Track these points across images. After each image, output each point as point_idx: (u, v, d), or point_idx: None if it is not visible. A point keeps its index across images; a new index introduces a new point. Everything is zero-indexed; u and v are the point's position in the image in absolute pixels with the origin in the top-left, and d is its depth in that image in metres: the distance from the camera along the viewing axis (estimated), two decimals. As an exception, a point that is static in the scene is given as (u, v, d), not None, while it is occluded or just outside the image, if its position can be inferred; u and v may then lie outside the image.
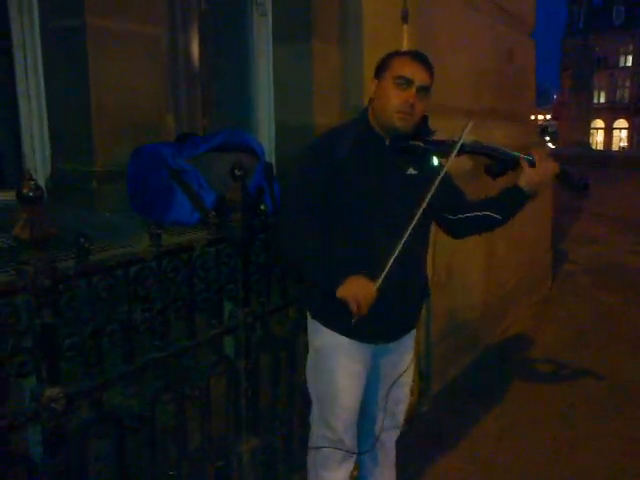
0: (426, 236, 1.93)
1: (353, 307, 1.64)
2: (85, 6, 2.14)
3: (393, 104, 1.73)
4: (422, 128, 1.80)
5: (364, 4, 3.03)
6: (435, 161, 1.80)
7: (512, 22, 4.80)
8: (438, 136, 1.80)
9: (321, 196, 1.75)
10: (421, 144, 1.76)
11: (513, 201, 1.87)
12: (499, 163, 1.82)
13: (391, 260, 1.66)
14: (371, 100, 1.82)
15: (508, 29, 4.72)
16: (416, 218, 1.68)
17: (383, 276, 1.66)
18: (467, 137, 1.74)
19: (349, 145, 1.76)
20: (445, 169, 1.73)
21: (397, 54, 1.81)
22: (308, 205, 1.75)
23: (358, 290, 1.64)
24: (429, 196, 1.69)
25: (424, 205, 1.68)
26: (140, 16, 2.32)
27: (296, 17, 3.00)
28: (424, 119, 1.82)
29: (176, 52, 2.96)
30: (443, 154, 1.77)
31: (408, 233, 1.67)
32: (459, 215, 1.90)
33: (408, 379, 2.03)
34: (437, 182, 1.70)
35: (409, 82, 1.72)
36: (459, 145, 1.72)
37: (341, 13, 3.07)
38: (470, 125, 1.73)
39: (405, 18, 3.08)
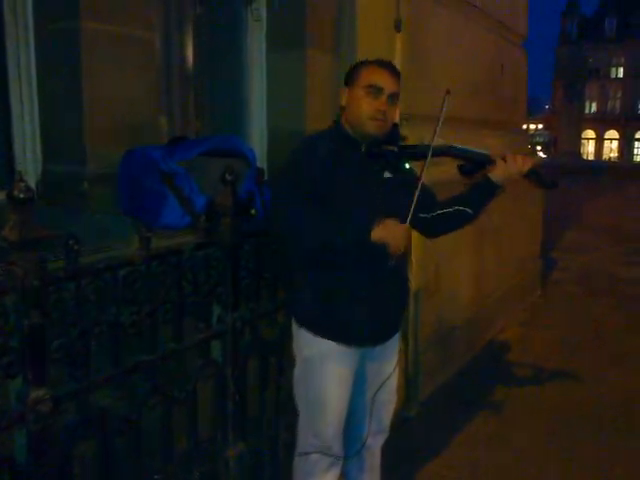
0: None
1: (392, 247, 1.68)
2: (80, 9, 2.15)
3: (366, 112, 1.80)
4: (393, 135, 1.87)
5: (358, 13, 3.06)
6: (408, 165, 1.90)
7: (505, 32, 4.85)
8: (408, 141, 1.89)
9: (310, 191, 1.78)
10: (394, 149, 1.84)
11: (482, 192, 1.93)
12: (469, 163, 1.90)
13: (413, 206, 1.73)
14: (342, 108, 1.88)
15: (501, 39, 4.77)
16: (411, 213, 1.73)
17: (409, 218, 1.73)
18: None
19: (327, 151, 1.81)
20: (425, 169, 1.79)
21: (364, 63, 1.87)
22: (299, 198, 1.78)
23: (394, 230, 1.69)
24: (417, 193, 1.75)
25: (414, 203, 1.74)
26: (134, 20, 2.33)
27: (291, 24, 3.02)
28: (394, 126, 1.89)
29: (170, 56, 2.96)
30: (416, 157, 1.86)
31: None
32: (432, 213, 1.96)
33: (393, 383, 2.05)
34: (420, 183, 1.77)
35: (380, 90, 1.79)
36: (431, 148, 1.78)
37: (335, 21, 3.10)
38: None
39: (398, 27, 3.11)
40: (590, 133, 48.96)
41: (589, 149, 49.26)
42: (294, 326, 1.94)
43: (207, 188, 2.15)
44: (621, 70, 46.20)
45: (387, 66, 1.85)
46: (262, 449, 2.17)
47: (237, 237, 1.93)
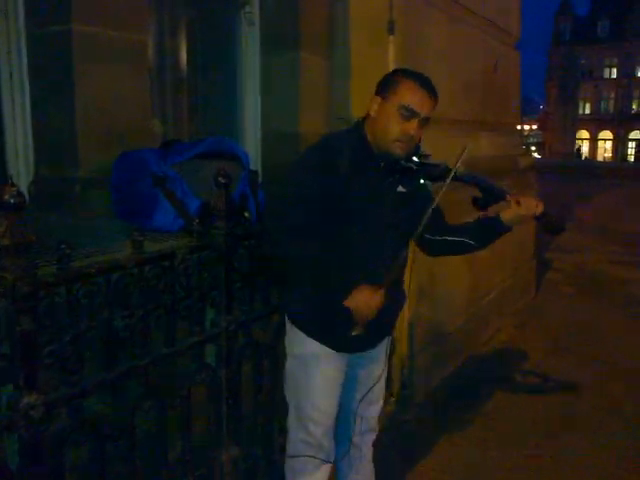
0: (405, 249, 1.91)
1: (360, 319, 1.67)
2: (72, 12, 2.14)
3: (394, 133, 1.70)
4: (414, 149, 1.79)
5: (351, 16, 3.07)
6: (426, 183, 1.83)
7: (498, 34, 4.86)
8: (431, 159, 1.81)
9: (319, 204, 1.72)
10: (414, 166, 1.77)
11: (492, 231, 1.89)
12: (486, 196, 1.84)
13: (394, 270, 1.72)
14: (370, 117, 1.77)
15: (494, 41, 4.78)
16: (417, 233, 1.72)
17: (386, 284, 1.70)
18: (460, 166, 1.74)
19: (345, 158, 1.74)
20: (440, 194, 1.74)
21: (405, 76, 1.73)
22: (307, 216, 1.71)
23: (366, 302, 1.66)
24: (429, 212, 1.71)
25: (424, 222, 1.71)
26: (126, 23, 2.32)
27: (284, 27, 3.02)
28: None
29: (163, 59, 2.96)
30: (432, 178, 1.79)
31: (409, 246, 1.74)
32: (437, 236, 1.91)
33: (382, 383, 2.06)
34: (434, 204, 1.73)
35: (414, 114, 1.68)
36: (453, 173, 1.72)
37: (328, 24, 3.10)
38: (464, 154, 1.71)
39: (391, 29, 3.11)
40: (584, 134, 49.13)
41: (583, 149, 49.42)
42: (287, 323, 1.95)
43: (200, 191, 2.15)
44: (614, 71, 46.39)
45: (427, 86, 1.71)
46: (257, 453, 2.17)
47: (231, 240, 1.92)
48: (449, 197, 1.87)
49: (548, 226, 1.89)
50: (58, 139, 2.27)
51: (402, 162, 1.77)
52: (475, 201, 1.85)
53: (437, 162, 1.80)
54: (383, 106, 1.72)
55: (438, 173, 1.78)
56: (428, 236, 1.90)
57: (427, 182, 1.83)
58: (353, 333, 1.70)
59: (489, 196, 1.83)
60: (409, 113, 1.68)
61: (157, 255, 1.72)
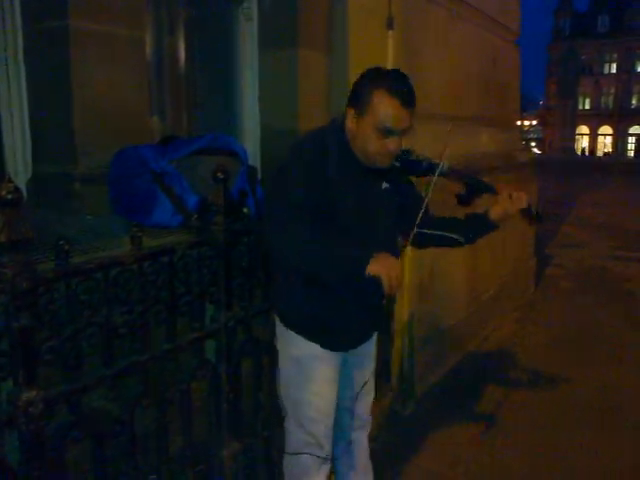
0: (393, 244, 1.92)
1: (386, 286, 1.57)
2: (69, 8, 2.14)
3: (374, 150, 1.67)
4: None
5: (350, 11, 3.05)
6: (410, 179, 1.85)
7: (497, 29, 4.85)
8: (414, 156, 1.80)
9: (306, 203, 1.70)
10: (397, 164, 1.76)
11: (481, 229, 1.87)
12: (470, 191, 1.83)
13: (414, 230, 1.69)
14: (349, 130, 1.70)
15: (494, 36, 4.77)
16: (412, 234, 1.70)
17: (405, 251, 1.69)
18: (444, 162, 1.74)
19: (328, 160, 1.72)
20: (430, 191, 1.73)
21: (378, 90, 1.62)
22: (300, 213, 1.68)
23: (390, 267, 1.58)
24: (422, 212, 1.69)
25: (418, 221, 1.69)
26: (124, 19, 2.31)
27: (282, 23, 3.01)
28: None
29: (161, 55, 2.95)
30: (417, 174, 1.80)
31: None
32: (424, 230, 1.83)
33: (371, 377, 2.08)
34: (426, 201, 1.72)
35: (393, 132, 1.64)
36: (440, 168, 1.73)
37: (327, 20, 3.09)
38: (447, 151, 1.72)
39: (390, 25, 3.11)
40: (584, 129, 49.07)
41: (583, 145, 49.39)
42: (280, 325, 1.91)
43: (199, 187, 2.14)
44: (614, 66, 46.34)
45: (402, 98, 1.62)
46: (257, 449, 2.17)
47: (229, 236, 1.92)
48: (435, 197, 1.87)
49: (532, 217, 1.89)
50: (56, 136, 2.26)
51: None
52: (459, 198, 1.84)
53: (421, 158, 1.79)
54: (360, 123, 1.66)
55: (422, 169, 1.77)
56: (417, 230, 1.89)
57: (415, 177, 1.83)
58: (383, 301, 1.70)
59: (473, 191, 1.82)
60: (388, 132, 1.64)
61: (156, 251, 1.72)
